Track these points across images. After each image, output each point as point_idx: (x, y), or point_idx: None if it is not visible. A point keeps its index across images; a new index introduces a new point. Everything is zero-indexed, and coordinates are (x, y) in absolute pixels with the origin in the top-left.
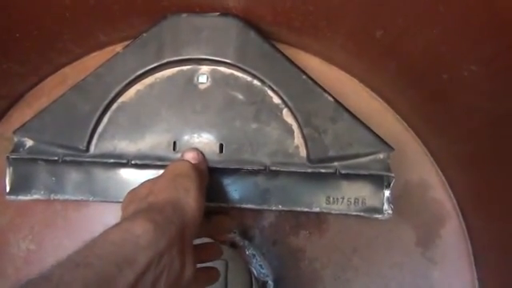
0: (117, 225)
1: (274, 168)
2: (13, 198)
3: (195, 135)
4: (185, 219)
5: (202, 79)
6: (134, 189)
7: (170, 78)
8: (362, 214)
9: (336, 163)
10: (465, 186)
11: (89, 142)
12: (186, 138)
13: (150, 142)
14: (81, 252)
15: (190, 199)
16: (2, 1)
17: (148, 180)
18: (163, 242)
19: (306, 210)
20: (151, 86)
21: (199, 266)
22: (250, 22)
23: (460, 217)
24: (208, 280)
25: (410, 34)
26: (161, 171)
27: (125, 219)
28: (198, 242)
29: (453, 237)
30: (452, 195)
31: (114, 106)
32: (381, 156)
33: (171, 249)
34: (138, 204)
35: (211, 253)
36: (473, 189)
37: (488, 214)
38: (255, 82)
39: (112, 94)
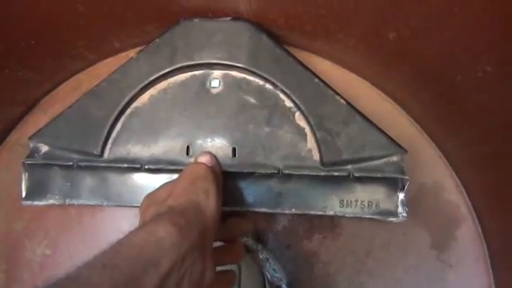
0: (140, 227)
1: (286, 171)
2: (28, 203)
3: (208, 139)
4: (205, 222)
5: (215, 83)
6: (152, 192)
7: (182, 82)
8: (376, 217)
9: (349, 166)
10: (480, 188)
11: (103, 147)
12: (199, 142)
13: (164, 146)
14: (107, 253)
15: (210, 202)
16: (18, 9)
17: (166, 183)
18: (186, 244)
19: (319, 213)
20: (164, 90)
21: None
22: (261, 26)
23: (475, 219)
24: (225, 284)
25: (424, 35)
26: (174, 175)
27: (148, 222)
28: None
29: (468, 240)
30: (467, 197)
31: (128, 111)
32: (394, 158)
33: (193, 252)
34: (158, 207)
35: (234, 255)
36: (488, 191)
37: (504, 216)
38: (267, 85)
39: (126, 100)
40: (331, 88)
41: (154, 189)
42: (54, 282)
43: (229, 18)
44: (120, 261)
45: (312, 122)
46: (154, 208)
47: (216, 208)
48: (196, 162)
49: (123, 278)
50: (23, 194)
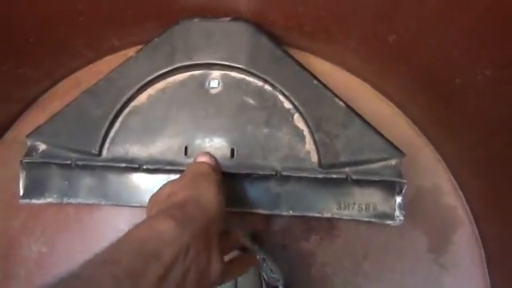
0: (139, 224)
1: (285, 173)
2: (26, 201)
3: (206, 140)
4: (207, 215)
5: (214, 84)
6: (156, 192)
7: (181, 82)
8: (373, 219)
9: (347, 169)
10: (477, 191)
11: (101, 146)
12: (197, 142)
13: (162, 146)
14: (106, 250)
15: (211, 195)
16: (17, 7)
17: (168, 182)
18: (186, 236)
19: (317, 215)
20: (163, 90)
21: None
22: (261, 26)
23: (473, 223)
24: (244, 265)
25: (423, 38)
26: (172, 176)
27: (147, 218)
28: None
29: (465, 243)
30: (465, 201)
31: (126, 110)
32: (392, 162)
33: (196, 243)
34: (161, 206)
35: (248, 263)
36: (486, 195)
37: (501, 220)
38: (266, 86)
39: (124, 99)
40: (330, 90)
41: (151, 189)
42: (57, 281)
43: (228, 18)
44: (120, 256)
45: (311, 124)
46: (158, 207)
47: (217, 201)
48: (197, 162)
49: (124, 272)
50: (21, 193)
